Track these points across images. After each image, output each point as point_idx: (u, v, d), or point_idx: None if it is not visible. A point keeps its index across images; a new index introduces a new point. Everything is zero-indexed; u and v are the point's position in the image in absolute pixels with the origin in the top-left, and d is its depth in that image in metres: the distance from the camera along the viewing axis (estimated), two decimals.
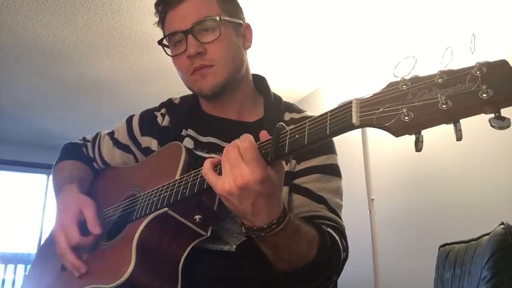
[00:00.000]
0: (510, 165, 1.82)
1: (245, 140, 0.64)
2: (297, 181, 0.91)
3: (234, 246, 0.87)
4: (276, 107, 1.01)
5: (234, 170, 0.63)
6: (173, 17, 0.94)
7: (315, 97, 3.32)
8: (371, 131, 2.27)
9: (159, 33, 1.00)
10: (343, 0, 2.27)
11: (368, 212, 2.23)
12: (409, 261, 2.26)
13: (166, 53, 0.98)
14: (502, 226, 1.33)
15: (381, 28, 2.49)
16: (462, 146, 1.95)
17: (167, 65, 3.05)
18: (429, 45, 2.26)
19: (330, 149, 0.97)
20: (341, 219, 0.90)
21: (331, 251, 0.80)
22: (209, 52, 0.92)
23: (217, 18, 0.91)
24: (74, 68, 3.02)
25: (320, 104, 3.20)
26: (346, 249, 0.85)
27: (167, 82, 3.14)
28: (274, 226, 0.67)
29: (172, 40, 0.95)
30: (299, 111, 1.03)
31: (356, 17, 2.41)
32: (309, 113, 1.02)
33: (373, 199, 2.24)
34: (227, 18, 0.94)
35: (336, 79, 3.01)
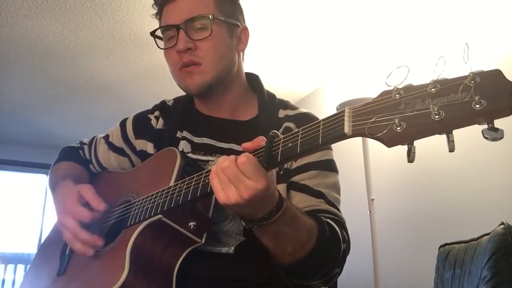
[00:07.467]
0: (510, 165, 1.82)
1: (242, 156, 0.65)
2: (295, 178, 0.91)
3: (233, 248, 0.86)
4: (270, 104, 1.01)
5: (238, 186, 0.64)
6: (168, 11, 0.95)
7: (315, 97, 3.32)
8: None
9: (158, 33, 1.01)
10: (343, 1, 2.27)
11: (368, 212, 2.23)
12: (409, 261, 2.26)
13: (157, 46, 0.99)
14: (502, 226, 1.33)
15: (381, 28, 2.49)
16: (462, 146, 1.94)
17: (167, 65, 3.05)
18: (429, 49, 2.26)
19: None
20: (340, 212, 0.90)
21: (331, 241, 0.80)
22: (199, 49, 0.92)
23: (210, 16, 0.92)
24: (74, 68, 3.02)
25: (320, 104, 3.20)
26: (347, 241, 0.85)
27: (167, 82, 3.13)
28: (274, 213, 0.69)
29: (166, 34, 0.97)
30: (293, 107, 1.02)
31: (355, 18, 2.41)
32: (303, 109, 1.02)
33: (373, 199, 2.24)
34: (222, 18, 0.94)
35: (336, 79, 3.00)
